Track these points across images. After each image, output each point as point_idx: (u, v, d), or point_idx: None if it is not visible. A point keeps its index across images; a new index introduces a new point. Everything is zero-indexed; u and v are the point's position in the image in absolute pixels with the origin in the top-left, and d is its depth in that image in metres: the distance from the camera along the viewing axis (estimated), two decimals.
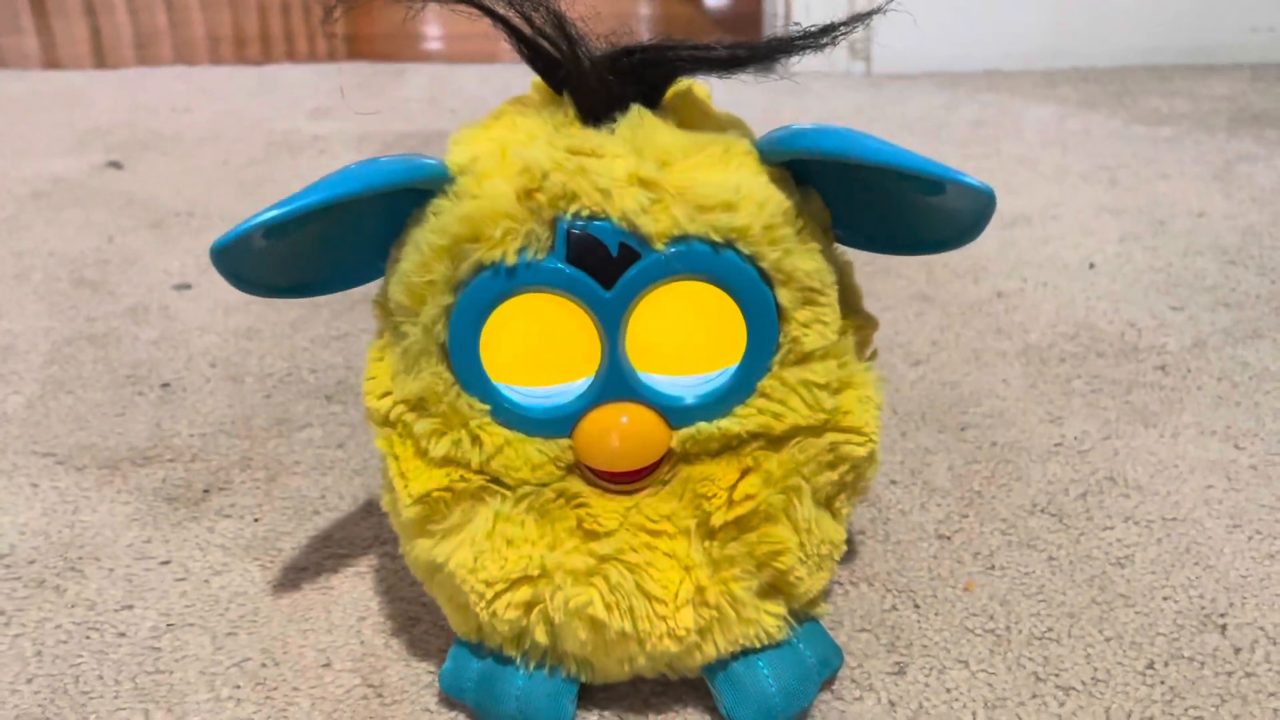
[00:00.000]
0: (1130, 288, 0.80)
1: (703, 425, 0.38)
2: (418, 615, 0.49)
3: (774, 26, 1.50)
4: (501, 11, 0.38)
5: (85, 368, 0.71)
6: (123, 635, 0.48)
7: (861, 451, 0.40)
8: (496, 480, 0.39)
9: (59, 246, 0.90)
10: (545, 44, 0.38)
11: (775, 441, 0.39)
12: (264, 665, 0.46)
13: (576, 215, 0.36)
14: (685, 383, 0.38)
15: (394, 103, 1.34)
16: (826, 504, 0.41)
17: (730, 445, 0.39)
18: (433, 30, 1.95)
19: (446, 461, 0.39)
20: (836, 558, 0.42)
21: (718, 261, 0.36)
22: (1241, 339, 0.72)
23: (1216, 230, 0.90)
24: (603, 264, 0.36)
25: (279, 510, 0.56)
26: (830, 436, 0.39)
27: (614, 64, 0.38)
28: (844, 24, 0.38)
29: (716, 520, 0.38)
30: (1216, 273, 0.82)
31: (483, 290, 0.37)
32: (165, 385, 0.68)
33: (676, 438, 0.38)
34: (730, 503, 0.38)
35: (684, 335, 0.37)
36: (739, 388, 0.38)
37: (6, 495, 0.58)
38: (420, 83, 1.43)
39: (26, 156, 1.14)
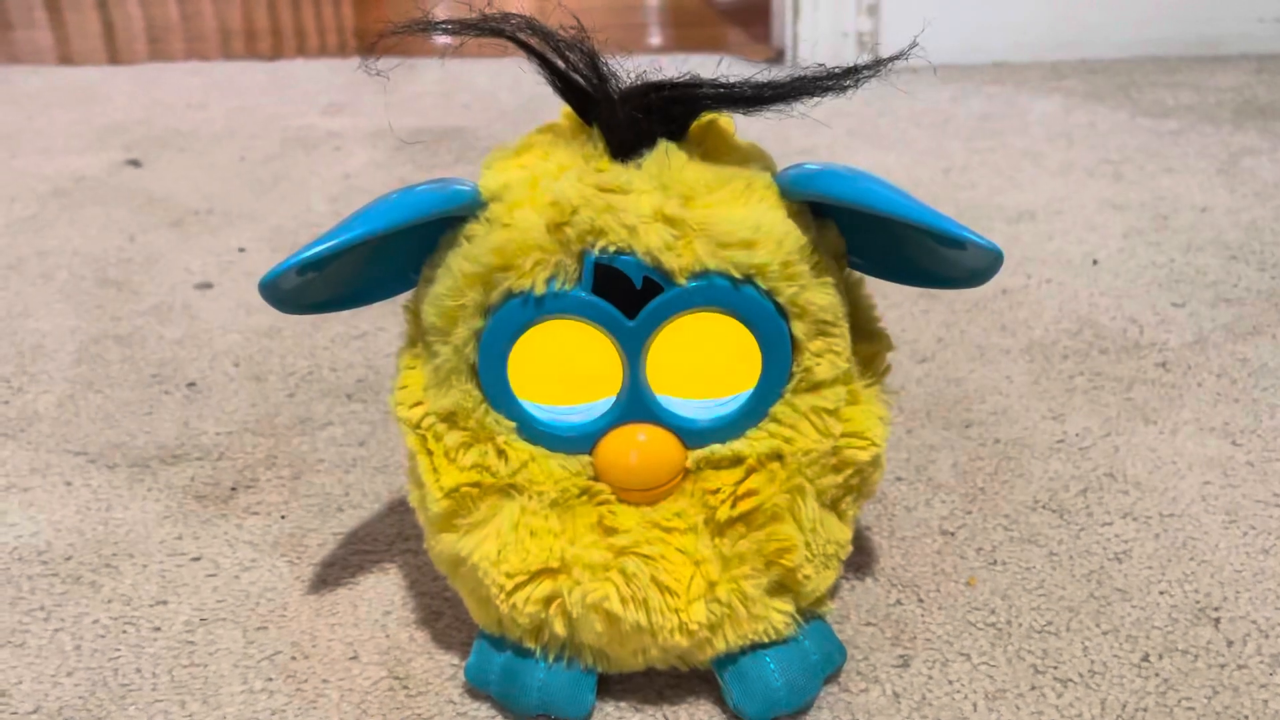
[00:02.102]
0: (1133, 284, 0.81)
1: (716, 447, 0.40)
2: (440, 610, 0.51)
3: (782, 17, 1.51)
4: (537, 47, 0.40)
5: (112, 367, 0.73)
6: (158, 630, 0.50)
7: (865, 456, 0.42)
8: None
9: (82, 245, 0.92)
10: (578, 79, 0.40)
11: (785, 461, 0.41)
12: (294, 658, 0.48)
13: (604, 249, 0.38)
14: (701, 406, 0.40)
15: (406, 98, 1.36)
16: (832, 506, 0.43)
17: (740, 464, 0.41)
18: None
19: (474, 469, 0.41)
20: (842, 557, 0.44)
21: (736, 295, 0.38)
22: (1242, 335, 0.73)
23: (1219, 225, 0.91)
24: (627, 295, 0.38)
25: (304, 508, 0.58)
26: (834, 442, 0.41)
27: (643, 100, 0.39)
28: (866, 67, 0.40)
29: (722, 516, 0.40)
30: (1219, 269, 0.83)
31: (512, 316, 0.39)
32: (191, 384, 0.70)
33: (691, 457, 0.40)
34: (735, 499, 0.40)
35: (702, 362, 0.39)
36: (752, 412, 0.40)
37: (42, 493, 0.60)
38: (432, 78, 1.44)
39: (46, 154, 1.16)
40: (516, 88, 1.37)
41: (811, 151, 1.13)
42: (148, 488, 0.60)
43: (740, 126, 0.45)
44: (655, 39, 1.71)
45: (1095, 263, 0.85)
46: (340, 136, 1.20)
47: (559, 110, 0.45)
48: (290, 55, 1.66)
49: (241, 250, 0.91)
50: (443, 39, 0.41)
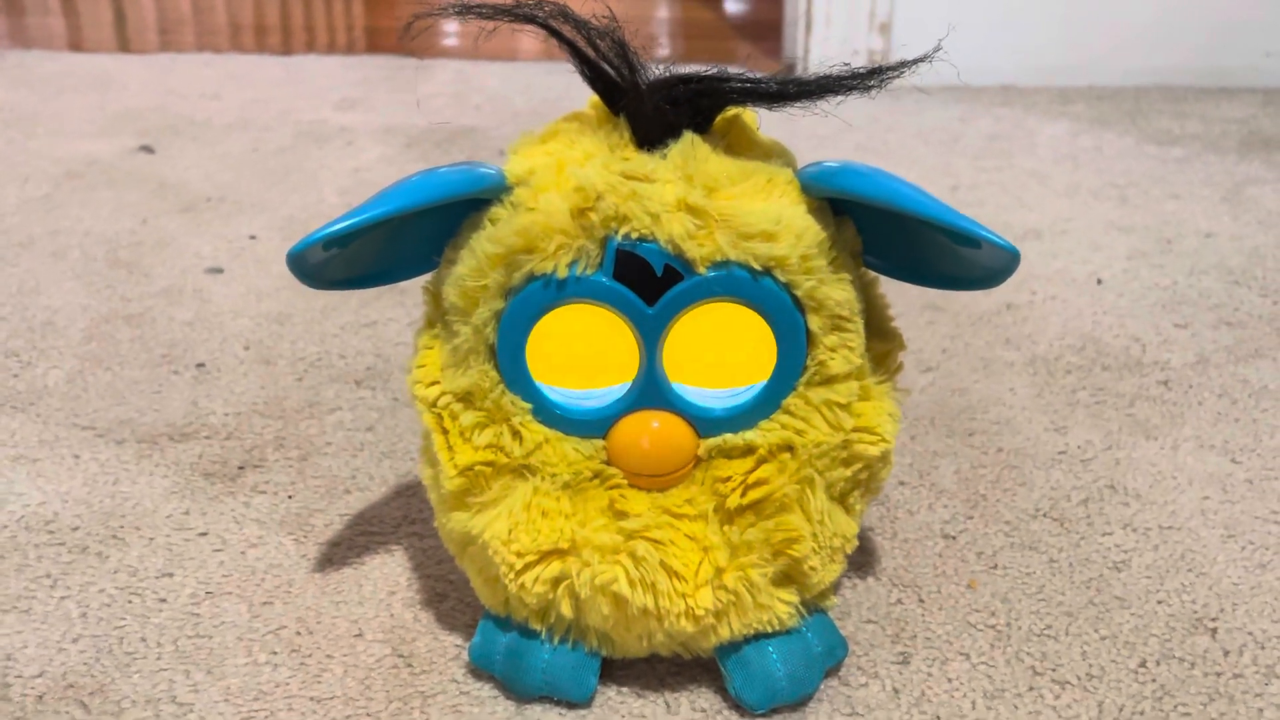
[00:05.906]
0: (1136, 304, 0.82)
1: (729, 436, 0.41)
2: (445, 591, 0.51)
3: (794, 33, 1.52)
4: (568, 35, 0.41)
5: (122, 346, 0.73)
6: (163, 601, 0.50)
7: (874, 450, 0.42)
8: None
9: (94, 227, 0.92)
10: (607, 69, 0.41)
11: (796, 452, 0.41)
12: (298, 634, 0.48)
13: (626, 236, 0.38)
14: (716, 395, 0.41)
15: (419, 97, 1.37)
16: (840, 499, 0.43)
17: (751, 454, 0.41)
18: (453, 26, 1.97)
19: (488, 448, 0.41)
20: (848, 551, 0.44)
21: (755, 287, 0.39)
22: (1243, 358, 0.74)
23: (1223, 251, 0.92)
24: (647, 282, 0.39)
25: (311, 489, 0.58)
26: (845, 436, 0.42)
27: (670, 92, 0.40)
28: (890, 68, 0.40)
29: (732, 504, 0.41)
30: (1221, 292, 0.84)
31: (533, 298, 0.39)
32: (200, 365, 0.71)
33: (703, 446, 0.41)
34: (745, 488, 0.41)
35: (718, 352, 0.40)
36: (765, 404, 0.41)
37: (49, 465, 0.60)
38: (444, 78, 1.45)
39: (60, 137, 1.17)
40: (528, 91, 1.38)
41: None
42: (155, 463, 0.60)
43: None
44: (666, 50, 1.72)
45: (1100, 282, 0.86)
46: (352, 131, 1.21)
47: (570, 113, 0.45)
48: (300, 51, 1.67)
49: (253, 238, 0.91)
50: (465, 29, 0.42)
